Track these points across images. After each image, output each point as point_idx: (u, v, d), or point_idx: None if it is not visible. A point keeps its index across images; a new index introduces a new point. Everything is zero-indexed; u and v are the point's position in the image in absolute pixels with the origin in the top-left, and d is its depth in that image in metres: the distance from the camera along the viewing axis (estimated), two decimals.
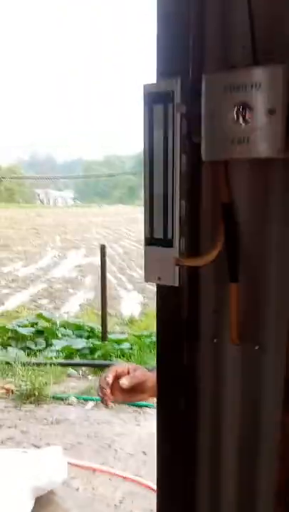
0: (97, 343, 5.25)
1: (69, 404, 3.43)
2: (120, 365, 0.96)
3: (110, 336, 5.50)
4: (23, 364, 4.11)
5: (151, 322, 6.33)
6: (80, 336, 5.94)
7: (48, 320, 6.74)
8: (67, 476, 2.39)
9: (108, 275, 6.62)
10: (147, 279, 0.59)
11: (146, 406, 3.18)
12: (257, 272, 0.58)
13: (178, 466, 0.66)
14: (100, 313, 5.72)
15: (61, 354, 4.86)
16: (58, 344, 5.36)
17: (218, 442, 0.63)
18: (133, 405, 3.24)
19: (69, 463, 2.47)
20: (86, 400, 3.47)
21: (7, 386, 3.74)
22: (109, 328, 5.85)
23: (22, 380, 3.70)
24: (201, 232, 0.60)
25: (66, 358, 4.75)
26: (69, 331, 6.26)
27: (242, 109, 0.49)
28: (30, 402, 3.44)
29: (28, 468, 2.22)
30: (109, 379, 0.91)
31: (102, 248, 5.81)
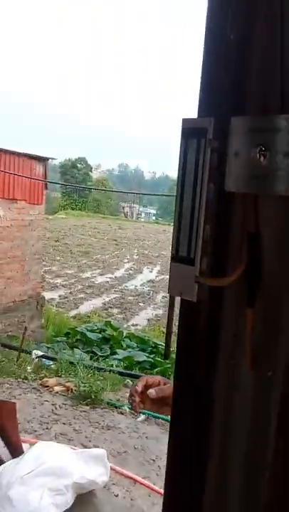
0: (158, 359, 5.30)
1: (121, 413, 3.52)
2: (152, 377, 1.01)
3: (173, 356, 5.54)
4: (86, 366, 4.29)
5: None
6: (143, 350, 6.05)
7: (115, 329, 6.95)
8: (109, 481, 2.47)
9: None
10: (171, 292, 0.65)
11: None
12: (274, 301, 0.61)
13: (186, 488, 0.69)
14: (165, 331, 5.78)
15: (122, 363, 4.99)
16: (121, 354, 5.50)
17: (226, 467, 0.66)
18: None
19: (112, 469, 2.54)
20: (139, 412, 3.53)
21: (68, 384, 3.94)
22: (173, 347, 5.88)
23: (82, 382, 3.87)
24: (225, 255, 0.65)
25: (126, 368, 4.87)
26: (133, 343, 6.40)
27: (263, 149, 0.54)
28: (86, 404, 3.58)
29: (74, 466, 2.34)
30: (139, 388, 0.96)
31: None
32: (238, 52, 0.60)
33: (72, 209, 43.84)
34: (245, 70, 0.60)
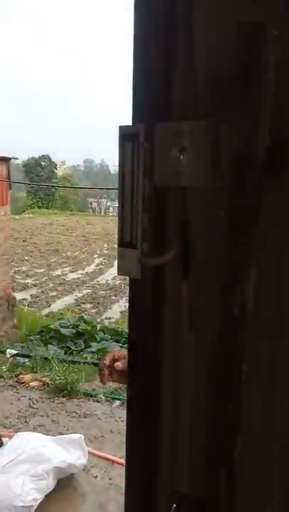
0: None
1: (97, 401, 3.64)
2: (118, 351, 1.14)
3: None
4: (60, 361, 4.38)
5: None
6: (117, 341, 6.17)
7: (88, 323, 7.04)
8: (88, 464, 2.59)
9: None
10: (118, 272, 0.77)
11: None
12: (204, 272, 0.75)
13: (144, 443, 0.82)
14: None
15: (96, 355, 5.11)
16: (95, 346, 5.61)
17: (176, 418, 0.79)
18: None
19: (90, 452, 2.67)
20: (114, 398, 3.67)
21: (43, 379, 4.02)
22: None
23: (57, 376, 3.96)
24: (162, 238, 0.79)
25: (100, 359, 4.99)
26: (107, 336, 6.51)
27: (181, 149, 0.67)
28: (63, 396, 3.68)
29: (53, 451, 2.45)
30: (107, 361, 1.08)
31: None
32: (162, 68, 0.72)
33: (39, 207, 43.25)
34: (167, 83, 0.72)
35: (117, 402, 3.60)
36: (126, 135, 0.75)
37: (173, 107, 0.72)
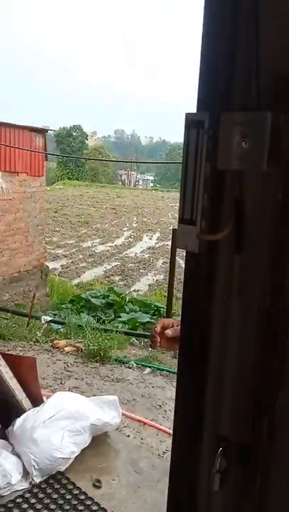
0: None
1: (129, 367, 3.82)
2: (167, 320, 1.24)
3: (174, 317, 5.83)
4: (93, 329, 4.58)
5: None
6: (146, 313, 6.34)
7: (118, 294, 7.22)
8: (121, 424, 2.77)
9: (178, 260, 6.95)
10: (178, 246, 0.87)
11: None
12: (255, 249, 0.83)
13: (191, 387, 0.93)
14: (165, 293, 6.03)
15: (127, 325, 5.29)
16: (125, 317, 5.79)
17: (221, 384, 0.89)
18: None
19: (123, 414, 2.85)
20: (144, 365, 3.84)
21: (77, 345, 4.23)
22: (175, 310, 6.16)
23: (90, 342, 4.16)
24: (219, 217, 0.87)
25: (130, 329, 5.17)
26: (136, 307, 6.68)
27: (244, 137, 0.75)
28: (96, 361, 3.88)
29: (90, 410, 2.63)
30: (158, 329, 1.17)
31: (174, 232, 6.10)
32: (227, 60, 0.79)
33: (69, 179, 43.50)
34: (232, 76, 0.79)
35: (148, 370, 3.77)
36: (191, 121, 0.83)
37: (236, 98, 0.79)
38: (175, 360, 3.91)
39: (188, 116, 0.84)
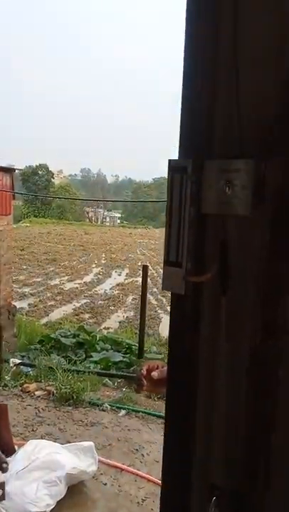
0: (134, 358, 5.51)
1: (103, 410, 3.70)
2: (152, 362, 1.23)
3: (146, 355, 5.75)
4: (64, 370, 4.44)
5: None
6: (118, 351, 6.22)
7: (88, 333, 7.07)
8: (98, 472, 2.65)
9: (149, 296, 6.93)
10: (164, 288, 0.87)
11: None
12: (241, 289, 0.85)
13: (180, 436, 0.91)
14: (138, 331, 5.97)
15: (99, 365, 5.16)
16: (97, 356, 5.67)
17: (211, 428, 0.87)
18: (161, 417, 3.46)
19: (99, 460, 2.73)
20: (119, 408, 3.73)
21: (48, 388, 4.08)
22: (146, 347, 6.09)
23: (62, 385, 4.02)
24: (204, 258, 0.89)
25: (103, 369, 5.05)
26: (107, 345, 6.56)
27: (227, 183, 0.77)
28: (69, 405, 3.74)
29: (65, 458, 2.51)
30: (144, 371, 1.17)
31: (144, 268, 6.12)
32: (207, 110, 0.83)
33: (36, 216, 43.33)
34: (212, 125, 0.83)
35: (123, 412, 3.67)
36: (175, 167, 0.86)
37: (219, 146, 0.82)
38: (150, 401, 3.82)
39: (171, 162, 0.87)
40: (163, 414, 3.28)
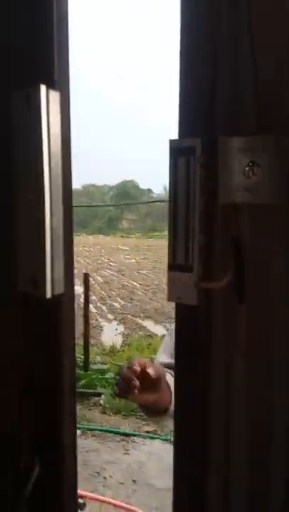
0: (81, 372, 5.23)
1: None
2: (142, 359, 0.95)
3: (92, 366, 5.49)
4: None
5: (133, 352, 6.34)
6: None
7: None
8: None
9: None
10: (169, 298, 0.70)
11: (133, 435, 3.21)
12: (262, 296, 0.70)
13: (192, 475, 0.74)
14: (80, 342, 5.69)
15: None
16: None
17: (228, 453, 0.73)
18: (120, 433, 3.26)
19: None
20: None
21: None
22: (91, 358, 5.83)
23: None
24: (216, 261, 0.73)
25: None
26: None
27: (251, 165, 0.62)
28: None
29: None
30: (136, 367, 0.86)
31: (86, 276, 5.84)
32: (214, 81, 0.68)
33: None
34: (224, 94, 0.68)
35: (77, 432, 3.42)
36: (179, 149, 0.69)
37: (234, 120, 0.67)
38: (106, 416, 3.60)
39: (173, 143, 0.70)
40: (122, 430, 3.10)
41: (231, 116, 0.68)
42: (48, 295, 0.61)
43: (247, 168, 0.62)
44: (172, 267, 0.72)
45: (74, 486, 0.73)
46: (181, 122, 0.70)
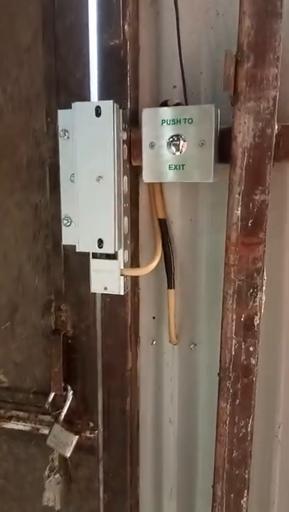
0: None
1: None
2: None
3: None
4: None
5: None
6: None
7: None
8: None
9: None
10: (94, 289, 0.63)
11: None
12: (190, 279, 0.65)
13: (125, 464, 0.70)
14: None
15: None
16: None
17: (160, 436, 0.69)
18: None
19: None
20: None
21: None
22: None
23: None
24: (142, 245, 0.67)
25: None
26: None
27: (177, 139, 0.56)
28: None
29: None
30: None
31: None
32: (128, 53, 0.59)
33: None
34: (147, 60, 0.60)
35: None
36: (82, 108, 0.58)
37: (160, 90, 0.60)
38: None
39: (78, 106, 0.57)
40: None
41: (154, 88, 0.60)
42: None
43: (172, 144, 0.56)
44: (95, 254, 0.64)
45: None
46: (102, 91, 0.62)
